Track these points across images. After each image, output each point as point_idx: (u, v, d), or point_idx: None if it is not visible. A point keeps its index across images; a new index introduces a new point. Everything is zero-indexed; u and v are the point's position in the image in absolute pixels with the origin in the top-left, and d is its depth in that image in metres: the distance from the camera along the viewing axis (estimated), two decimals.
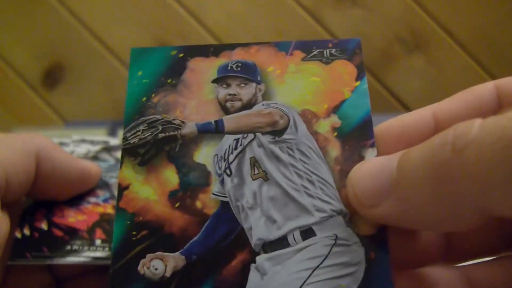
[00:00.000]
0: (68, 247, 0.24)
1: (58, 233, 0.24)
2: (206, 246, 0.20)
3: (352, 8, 0.76)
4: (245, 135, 0.22)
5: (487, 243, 0.21)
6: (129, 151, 0.22)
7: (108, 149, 0.29)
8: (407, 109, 0.75)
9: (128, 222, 0.21)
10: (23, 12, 0.79)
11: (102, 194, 0.26)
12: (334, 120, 0.22)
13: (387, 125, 0.21)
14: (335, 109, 0.22)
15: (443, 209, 0.16)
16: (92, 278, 0.26)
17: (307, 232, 0.20)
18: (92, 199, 0.26)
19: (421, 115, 0.21)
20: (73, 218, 0.25)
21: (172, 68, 0.23)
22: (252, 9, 0.77)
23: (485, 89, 0.20)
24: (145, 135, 0.22)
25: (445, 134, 0.16)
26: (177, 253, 0.20)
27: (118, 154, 0.28)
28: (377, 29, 0.77)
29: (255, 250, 0.20)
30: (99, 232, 0.25)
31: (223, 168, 0.21)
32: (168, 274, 0.19)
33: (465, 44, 0.76)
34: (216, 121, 0.22)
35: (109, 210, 0.26)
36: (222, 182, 0.21)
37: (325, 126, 0.22)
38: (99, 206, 0.26)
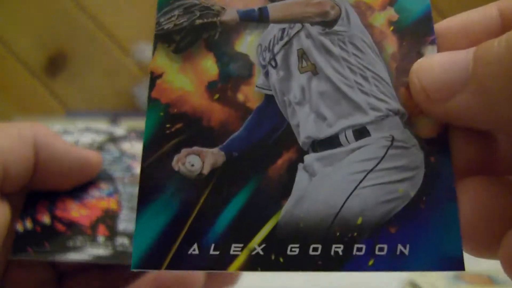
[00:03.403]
0: (70, 243, 0.23)
1: (61, 227, 0.24)
2: (248, 143, 0.18)
3: None
4: (292, 25, 0.20)
5: None
6: (162, 37, 0.20)
7: (113, 139, 0.28)
8: None
9: (162, 113, 0.19)
10: (27, 0, 0.78)
11: (106, 187, 0.26)
12: (391, 13, 0.20)
13: (448, 22, 0.19)
14: (392, 2, 0.20)
15: None
16: (94, 273, 0.25)
17: (361, 132, 0.18)
18: (96, 193, 0.25)
19: (486, 11, 0.19)
20: (76, 212, 0.24)
21: None
22: None
23: None
24: (181, 21, 0.20)
25: None
26: (216, 148, 0.18)
27: (123, 145, 0.28)
28: None
29: (303, 149, 0.18)
30: (102, 229, 0.24)
31: (267, 59, 0.20)
32: (205, 171, 0.18)
33: None
34: (260, 8, 0.20)
35: (113, 205, 0.25)
36: (267, 74, 0.19)
37: (380, 19, 0.20)
38: (103, 200, 0.25)
